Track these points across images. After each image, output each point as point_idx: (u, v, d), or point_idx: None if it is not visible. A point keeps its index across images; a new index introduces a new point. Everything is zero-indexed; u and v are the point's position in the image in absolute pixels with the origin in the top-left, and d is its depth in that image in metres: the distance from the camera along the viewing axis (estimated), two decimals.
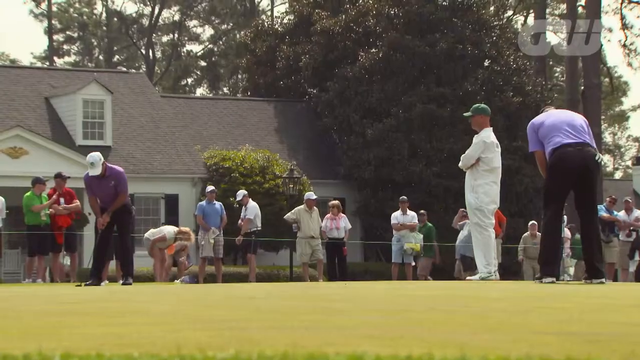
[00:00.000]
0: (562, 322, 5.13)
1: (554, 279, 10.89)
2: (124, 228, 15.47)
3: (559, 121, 10.94)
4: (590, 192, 10.99)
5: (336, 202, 25.73)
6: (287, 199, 33.08)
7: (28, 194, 20.70)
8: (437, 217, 40.54)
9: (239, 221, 24.23)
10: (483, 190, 13.13)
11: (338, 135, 42.95)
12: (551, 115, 11.14)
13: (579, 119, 11.17)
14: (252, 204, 24.35)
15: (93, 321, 5.26)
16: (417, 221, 25.47)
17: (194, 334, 4.31)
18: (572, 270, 29.67)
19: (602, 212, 23.76)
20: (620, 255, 24.52)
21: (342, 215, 25.05)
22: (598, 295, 8.12)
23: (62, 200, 20.87)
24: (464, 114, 13.78)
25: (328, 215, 24.71)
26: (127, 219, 15.47)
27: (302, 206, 24.29)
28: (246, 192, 25.07)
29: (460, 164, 13.42)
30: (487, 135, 13.17)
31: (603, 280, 10.96)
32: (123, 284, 15.29)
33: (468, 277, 13.77)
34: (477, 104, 13.80)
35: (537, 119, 11.18)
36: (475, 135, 13.24)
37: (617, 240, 24.62)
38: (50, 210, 20.58)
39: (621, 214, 24.83)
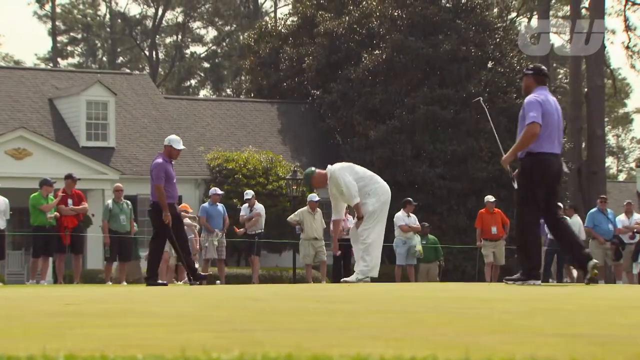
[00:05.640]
0: (567, 323, 5.13)
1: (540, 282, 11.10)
2: (170, 228, 15.45)
3: (553, 121, 10.93)
4: (558, 198, 11.39)
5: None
6: (290, 201, 33.07)
7: (35, 194, 20.71)
8: (441, 219, 40.59)
9: (240, 217, 24.21)
10: (375, 192, 14.37)
11: (341, 136, 42.94)
12: (548, 103, 10.99)
13: (561, 119, 11.22)
14: (260, 205, 24.55)
15: (97, 322, 5.26)
16: (418, 223, 25.56)
17: (198, 335, 4.31)
18: (575, 272, 29.65)
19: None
20: (624, 258, 24.53)
21: (349, 216, 25.07)
22: (602, 297, 8.11)
23: (70, 201, 20.90)
24: (303, 186, 15.27)
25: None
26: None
27: (305, 208, 24.29)
28: (254, 193, 25.23)
29: (356, 199, 14.30)
30: (334, 167, 14.45)
31: (596, 261, 11.16)
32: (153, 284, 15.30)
33: (343, 280, 15.00)
34: (306, 172, 15.08)
35: (540, 97, 10.97)
36: (333, 177, 14.27)
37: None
38: (56, 213, 20.60)
39: (621, 217, 24.85)
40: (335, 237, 15.60)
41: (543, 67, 11.45)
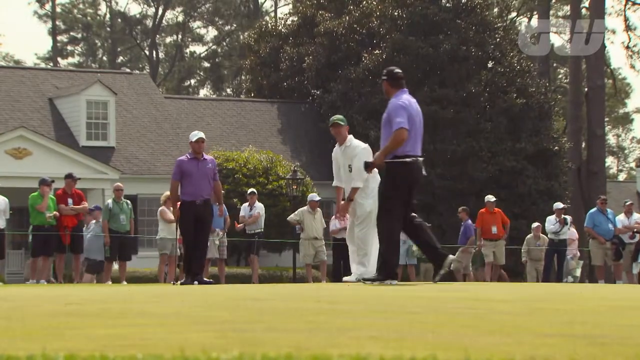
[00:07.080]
0: (566, 324, 5.13)
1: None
2: (209, 226, 15.39)
3: (416, 125, 10.96)
4: (414, 199, 11.43)
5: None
6: (290, 200, 33.06)
7: (34, 194, 20.73)
8: (441, 219, 40.57)
9: (240, 217, 24.23)
10: (374, 193, 13.28)
11: None
12: (412, 107, 10.97)
13: (422, 121, 11.16)
14: (260, 204, 24.53)
15: (97, 322, 5.26)
16: None
17: (198, 335, 4.31)
18: (578, 272, 29.64)
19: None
20: (624, 258, 24.54)
21: (348, 216, 25.03)
22: (602, 297, 8.12)
23: (70, 200, 20.90)
24: (334, 124, 13.80)
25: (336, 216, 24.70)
26: (212, 218, 15.38)
27: (305, 207, 24.27)
28: (255, 191, 25.28)
29: (359, 184, 13.58)
30: (360, 142, 13.82)
31: (453, 257, 11.31)
32: (199, 282, 15.32)
33: (345, 279, 14.60)
34: (338, 117, 13.93)
35: (405, 102, 10.95)
36: (352, 147, 13.63)
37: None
38: (55, 212, 20.59)
39: (621, 217, 24.87)
40: (339, 202, 14.68)
41: (397, 70, 11.32)
